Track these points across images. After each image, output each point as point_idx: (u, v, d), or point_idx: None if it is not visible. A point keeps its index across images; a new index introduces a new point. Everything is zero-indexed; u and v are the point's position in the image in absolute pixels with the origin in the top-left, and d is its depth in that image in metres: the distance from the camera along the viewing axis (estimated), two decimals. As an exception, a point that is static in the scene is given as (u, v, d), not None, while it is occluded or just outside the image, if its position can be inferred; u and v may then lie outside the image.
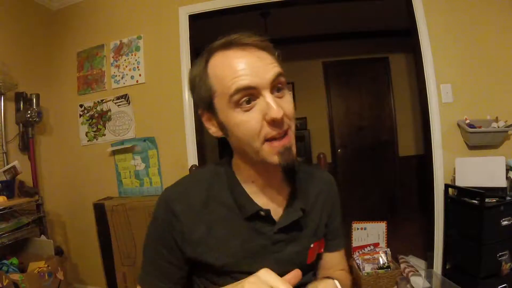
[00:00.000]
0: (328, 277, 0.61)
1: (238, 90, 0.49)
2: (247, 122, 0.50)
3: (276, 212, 0.61)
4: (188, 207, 0.59)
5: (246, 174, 0.61)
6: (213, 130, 0.59)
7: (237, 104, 0.50)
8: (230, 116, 0.52)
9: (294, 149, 0.54)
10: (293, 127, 0.54)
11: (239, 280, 0.51)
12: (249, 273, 0.48)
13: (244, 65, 0.50)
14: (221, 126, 0.56)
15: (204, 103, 0.56)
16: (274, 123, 0.50)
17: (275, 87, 0.52)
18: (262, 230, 0.60)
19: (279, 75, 0.52)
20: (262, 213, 0.59)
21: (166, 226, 0.59)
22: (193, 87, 0.58)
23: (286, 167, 0.52)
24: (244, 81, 0.49)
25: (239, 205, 0.59)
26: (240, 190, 0.60)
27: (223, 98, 0.52)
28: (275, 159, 0.52)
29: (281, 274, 0.61)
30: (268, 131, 0.51)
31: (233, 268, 0.59)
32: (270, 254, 0.60)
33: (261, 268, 0.58)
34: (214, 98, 0.54)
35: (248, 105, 0.50)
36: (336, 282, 0.59)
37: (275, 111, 0.49)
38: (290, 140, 0.53)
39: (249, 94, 0.50)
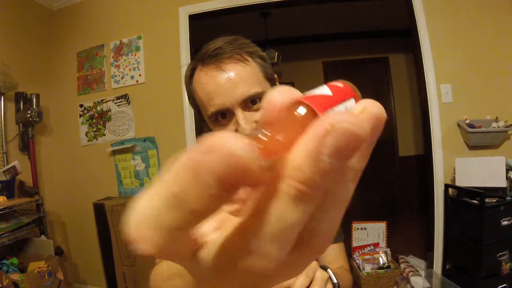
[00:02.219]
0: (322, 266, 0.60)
1: (212, 114, 0.56)
2: None
3: None
4: None
5: None
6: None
7: (216, 121, 0.57)
8: (212, 127, 0.59)
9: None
10: None
11: None
12: None
13: (215, 88, 0.55)
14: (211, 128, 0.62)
15: (196, 110, 0.63)
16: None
17: (248, 103, 0.55)
18: None
19: (248, 98, 0.54)
20: None
21: None
22: (188, 94, 0.64)
23: None
24: (214, 107, 0.55)
25: None
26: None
27: (205, 114, 0.59)
28: None
29: None
30: None
31: None
32: None
33: None
34: (201, 109, 0.61)
35: (224, 120, 0.56)
36: (329, 270, 0.57)
37: (242, 130, 0.53)
38: None
39: (224, 112, 0.56)
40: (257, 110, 0.56)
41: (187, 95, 0.64)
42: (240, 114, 0.54)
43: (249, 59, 0.56)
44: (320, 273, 0.42)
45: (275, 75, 0.63)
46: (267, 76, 0.59)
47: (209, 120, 0.58)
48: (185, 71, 0.61)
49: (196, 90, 0.58)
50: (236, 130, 0.55)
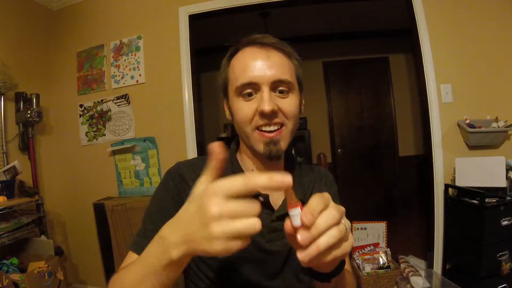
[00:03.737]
0: None
1: (242, 85, 0.58)
2: (244, 109, 0.59)
3: (274, 201, 0.63)
4: (196, 177, 0.59)
5: (247, 162, 0.66)
6: (227, 113, 0.67)
7: (241, 94, 0.59)
8: (234, 102, 0.61)
9: (282, 144, 0.59)
10: (289, 126, 0.60)
11: (228, 261, 0.57)
12: (238, 257, 0.51)
13: (253, 62, 0.58)
14: (230, 110, 0.64)
15: (222, 88, 0.65)
16: (263, 114, 0.57)
17: (277, 88, 0.59)
18: (260, 216, 0.59)
19: (280, 81, 0.58)
20: (260, 198, 0.59)
21: (175, 190, 0.62)
22: (220, 73, 0.66)
23: (269, 157, 0.59)
24: (246, 78, 0.57)
25: None
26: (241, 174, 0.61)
27: (232, 87, 0.61)
28: (260, 147, 0.59)
29: (276, 267, 0.62)
30: (257, 120, 0.58)
31: None
32: (265, 242, 0.61)
33: (253, 252, 0.60)
34: (228, 85, 0.63)
35: (249, 97, 0.59)
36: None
37: (264, 104, 0.56)
38: (281, 135, 0.59)
39: (251, 88, 0.58)
40: (283, 98, 0.59)
41: (220, 74, 0.66)
42: (266, 91, 0.56)
43: (289, 55, 0.62)
44: (336, 204, 0.37)
45: (302, 88, 0.67)
46: (298, 77, 0.64)
47: (235, 91, 0.60)
48: (229, 49, 0.64)
49: (234, 65, 0.61)
50: (256, 110, 0.57)
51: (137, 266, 0.42)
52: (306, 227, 0.33)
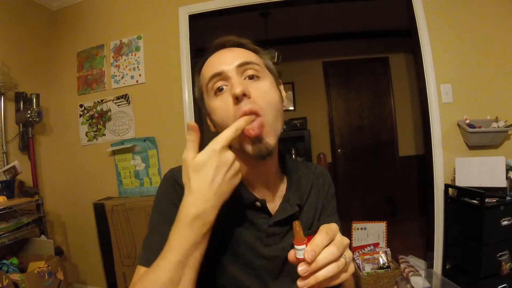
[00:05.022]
0: None
1: (210, 78, 0.56)
2: (220, 107, 0.56)
3: (271, 205, 0.62)
4: None
5: (243, 168, 0.61)
6: (211, 126, 0.64)
7: (213, 91, 0.57)
8: (210, 104, 0.58)
9: (268, 139, 0.54)
10: (269, 116, 0.54)
11: (225, 266, 0.57)
12: (235, 262, 0.53)
13: (218, 57, 0.58)
14: (211, 119, 0.61)
15: (200, 101, 0.63)
16: (236, 100, 0.53)
17: (245, 74, 0.56)
18: (257, 221, 0.60)
19: (245, 63, 0.56)
20: (257, 203, 0.59)
21: (175, 196, 0.56)
22: (195, 89, 0.65)
23: (260, 156, 0.54)
24: (214, 69, 0.56)
25: (235, 194, 0.56)
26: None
27: (205, 90, 0.59)
28: (249, 148, 0.55)
29: (274, 272, 0.62)
30: (235, 111, 0.53)
31: (222, 254, 0.58)
32: (263, 247, 0.60)
33: (251, 258, 0.59)
34: (203, 93, 0.61)
35: (220, 92, 0.56)
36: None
37: (234, 87, 0.52)
38: (263, 131, 0.54)
39: (220, 79, 0.56)
40: (253, 83, 0.56)
41: (196, 86, 0.65)
42: (234, 76, 0.55)
43: (255, 51, 0.61)
44: (340, 237, 0.41)
45: (279, 80, 0.64)
46: (269, 67, 0.62)
47: (206, 91, 0.58)
48: (198, 63, 0.63)
49: (203, 72, 0.60)
50: (231, 102, 0.54)
51: (169, 256, 0.44)
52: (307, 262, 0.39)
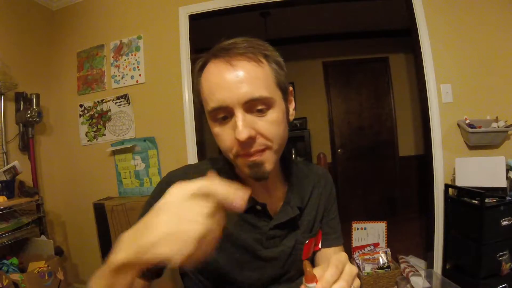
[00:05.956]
0: None
1: (213, 109, 0.51)
2: (222, 137, 0.53)
3: (272, 208, 0.62)
4: None
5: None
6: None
7: (215, 119, 0.52)
8: (211, 125, 0.54)
9: (267, 165, 0.53)
10: (275, 147, 0.53)
11: (225, 268, 0.56)
12: (236, 264, 0.52)
13: (219, 80, 0.50)
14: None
15: (201, 107, 0.59)
16: (240, 143, 0.49)
17: (253, 108, 0.51)
18: (257, 224, 0.60)
19: (253, 100, 0.49)
20: (258, 207, 0.59)
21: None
22: (195, 90, 0.60)
23: (255, 179, 0.53)
24: (215, 102, 0.50)
25: None
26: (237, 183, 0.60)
27: (206, 110, 0.54)
28: (246, 171, 0.53)
29: (274, 274, 0.62)
30: (238, 150, 0.51)
31: (221, 257, 0.59)
32: (263, 249, 0.60)
33: (250, 261, 0.58)
34: (203, 105, 0.56)
35: (224, 121, 0.52)
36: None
37: (238, 133, 0.48)
38: (264, 157, 0.52)
39: (224, 112, 0.51)
40: (261, 117, 0.51)
41: (194, 88, 0.60)
42: (240, 115, 0.49)
43: (263, 61, 0.52)
44: (349, 268, 0.41)
45: (290, 88, 0.60)
46: (280, 84, 0.54)
47: (208, 116, 0.54)
48: (196, 63, 0.57)
49: (203, 84, 0.54)
50: (234, 137, 0.50)
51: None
52: None
